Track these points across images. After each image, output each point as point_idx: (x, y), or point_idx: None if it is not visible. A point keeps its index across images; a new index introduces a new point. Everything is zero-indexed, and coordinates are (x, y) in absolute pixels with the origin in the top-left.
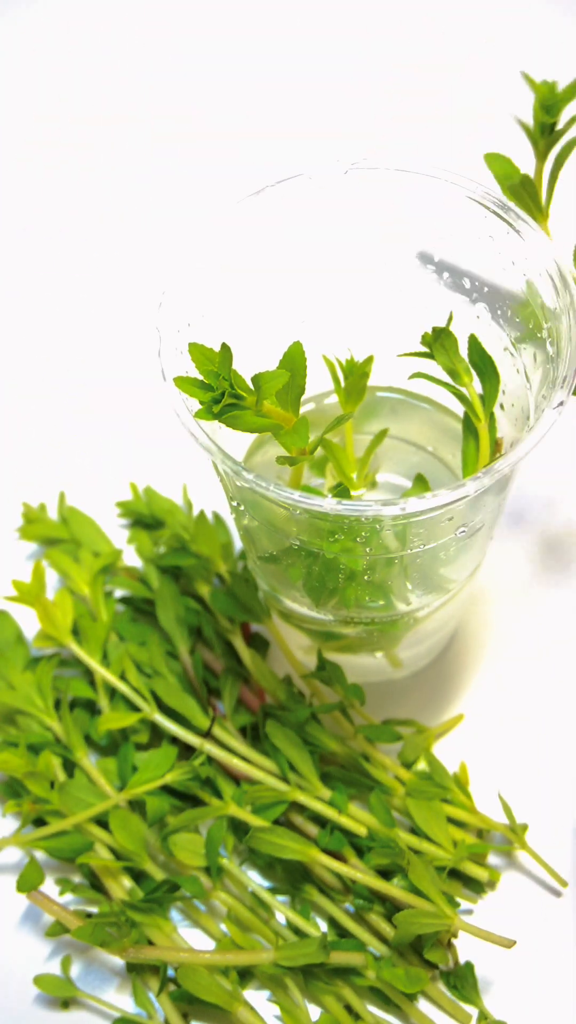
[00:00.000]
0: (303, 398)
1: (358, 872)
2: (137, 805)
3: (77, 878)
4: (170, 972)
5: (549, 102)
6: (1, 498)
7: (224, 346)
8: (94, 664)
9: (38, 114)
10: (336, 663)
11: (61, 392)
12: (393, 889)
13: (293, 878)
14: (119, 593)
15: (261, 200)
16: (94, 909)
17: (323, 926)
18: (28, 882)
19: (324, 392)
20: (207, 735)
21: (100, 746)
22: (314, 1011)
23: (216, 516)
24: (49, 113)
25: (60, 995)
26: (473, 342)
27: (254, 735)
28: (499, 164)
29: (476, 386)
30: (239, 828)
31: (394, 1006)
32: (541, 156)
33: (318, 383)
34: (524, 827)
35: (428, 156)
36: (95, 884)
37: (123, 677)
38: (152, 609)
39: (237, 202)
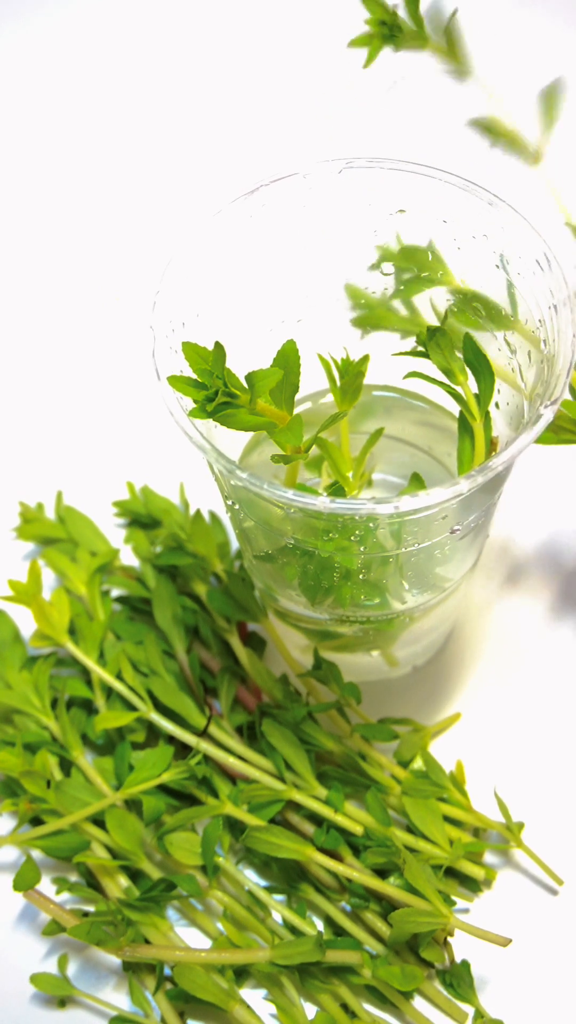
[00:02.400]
0: (299, 397)
1: (354, 871)
2: (134, 804)
3: (74, 877)
4: (166, 971)
5: None
6: None
7: (217, 345)
8: (91, 663)
9: (33, 113)
10: (333, 662)
11: (58, 392)
12: (389, 888)
13: (289, 877)
14: (116, 592)
15: (255, 199)
16: (91, 908)
17: (319, 925)
18: (25, 881)
19: (320, 391)
20: (203, 734)
21: (97, 745)
22: (310, 1009)
23: (212, 515)
24: (45, 112)
25: (57, 994)
26: (468, 341)
27: (250, 734)
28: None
29: (471, 385)
30: (235, 827)
31: (390, 1004)
32: None
33: (315, 383)
34: (520, 825)
35: (422, 154)
36: (92, 883)
37: (120, 676)
38: (149, 608)
39: (232, 201)
